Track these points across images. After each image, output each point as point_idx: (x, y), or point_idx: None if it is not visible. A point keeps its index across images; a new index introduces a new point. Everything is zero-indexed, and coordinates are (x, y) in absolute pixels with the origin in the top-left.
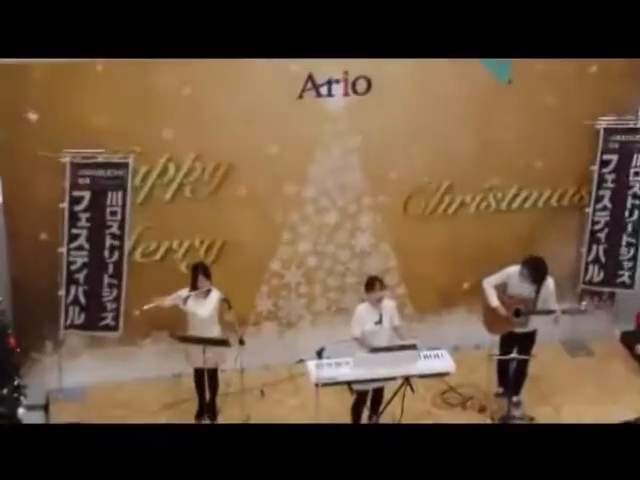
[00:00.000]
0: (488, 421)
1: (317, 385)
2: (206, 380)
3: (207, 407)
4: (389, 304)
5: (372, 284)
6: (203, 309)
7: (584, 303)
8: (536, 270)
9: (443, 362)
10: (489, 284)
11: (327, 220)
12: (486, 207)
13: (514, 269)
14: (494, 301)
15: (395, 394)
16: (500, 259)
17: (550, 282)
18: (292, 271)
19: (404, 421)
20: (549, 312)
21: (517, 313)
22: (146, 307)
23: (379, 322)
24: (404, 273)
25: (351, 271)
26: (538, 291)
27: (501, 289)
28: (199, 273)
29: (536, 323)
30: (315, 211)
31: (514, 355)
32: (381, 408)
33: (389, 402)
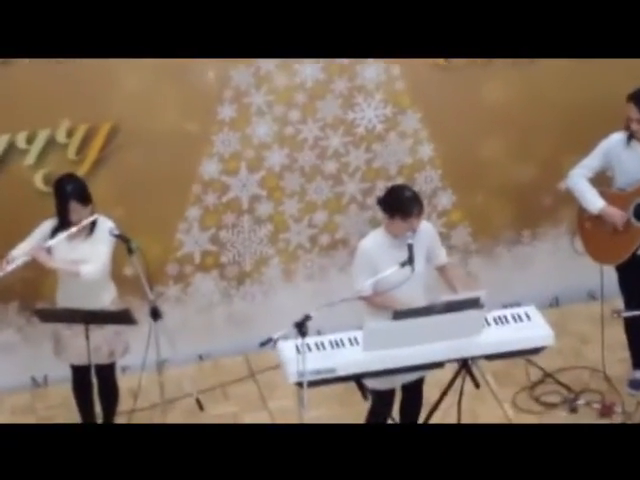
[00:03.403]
0: None
1: (300, 385)
2: (95, 387)
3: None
4: (424, 228)
5: (406, 208)
6: (84, 259)
7: None
8: None
9: (531, 329)
10: (580, 177)
11: (296, 80)
12: None
13: (616, 138)
14: (596, 202)
15: (445, 393)
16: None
17: None
18: (241, 175)
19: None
20: None
21: None
22: None
23: (409, 262)
24: (450, 167)
25: (351, 169)
26: None
27: (603, 183)
28: (69, 196)
29: None
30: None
31: None
32: (420, 419)
33: (435, 408)
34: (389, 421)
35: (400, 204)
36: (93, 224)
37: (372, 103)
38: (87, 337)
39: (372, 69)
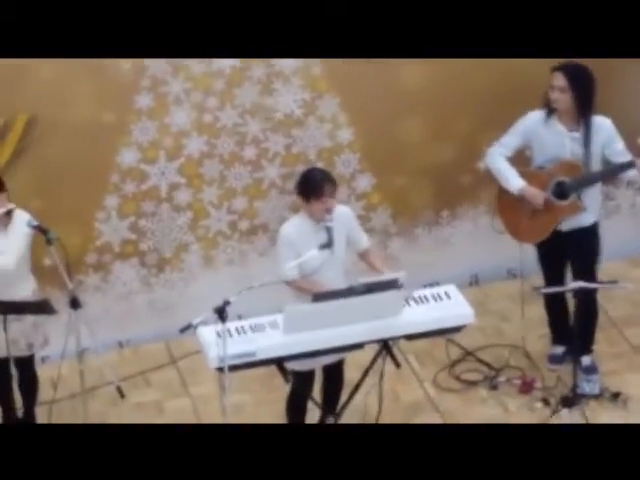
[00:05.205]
0: (538, 405)
1: (221, 370)
2: (15, 378)
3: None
4: (342, 212)
5: (317, 187)
6: (2, 250)
7: None
8: (577, 83)
9: (451, 307)
10: (499, 156)
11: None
12: None
13: (534, 116)
14: (516, 182)
15: (366, 374)
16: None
17: (604, 122)
18: (160, 164)
19: (385, 421)
20: (621, 168)
21: (560, 190)
22: None
23: (328, 245)
24: (369, 150)
25: (270, 155)
26: (587, 141)
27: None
28: None
29: (596, 209)
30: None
31: (576, 284)
32: (341, 401)
33: (356, 389)
34: (309, 402)
35: (312, 185)
36: (9, 214)
37: (290, 89)
38: (5, 329)
39: None
